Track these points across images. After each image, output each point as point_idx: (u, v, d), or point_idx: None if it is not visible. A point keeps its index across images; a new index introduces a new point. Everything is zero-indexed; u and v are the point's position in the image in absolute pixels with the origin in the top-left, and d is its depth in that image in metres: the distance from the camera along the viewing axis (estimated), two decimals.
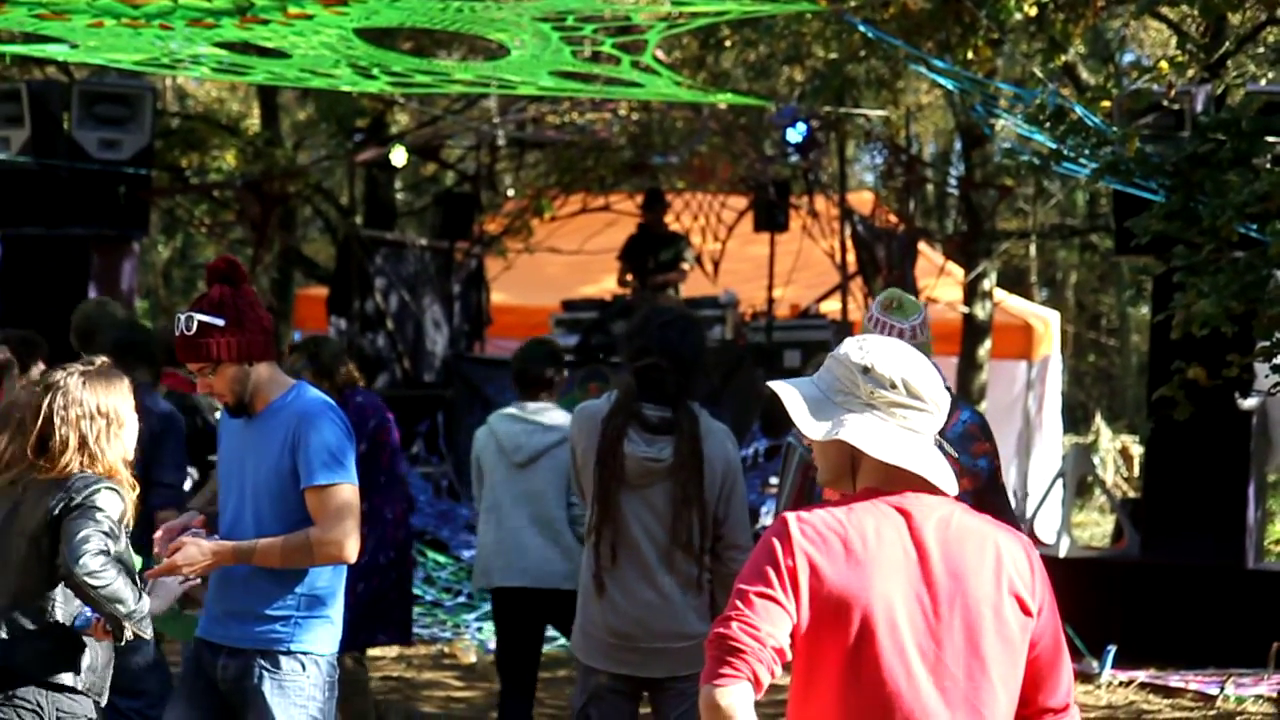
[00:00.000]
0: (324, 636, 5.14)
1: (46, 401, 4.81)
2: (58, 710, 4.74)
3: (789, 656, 3.28)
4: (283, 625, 5.06)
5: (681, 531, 5.65)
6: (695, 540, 5.65)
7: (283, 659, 5.04)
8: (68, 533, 4.64)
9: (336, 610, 5.19)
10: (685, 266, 15.05)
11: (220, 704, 5.14)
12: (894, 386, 3.36)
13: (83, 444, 4.78)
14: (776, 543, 3.28)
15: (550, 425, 7.56)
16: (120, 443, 4.86)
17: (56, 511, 4.69)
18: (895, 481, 3.36)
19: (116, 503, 4.76)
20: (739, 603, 3.24)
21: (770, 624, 3.21)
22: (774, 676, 3.23)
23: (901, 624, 3.27)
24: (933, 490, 3.37)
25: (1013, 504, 6.48)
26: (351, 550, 5.06)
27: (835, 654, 3.28)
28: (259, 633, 5.06)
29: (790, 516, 3.33)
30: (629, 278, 14.94)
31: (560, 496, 7.53)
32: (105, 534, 4.67)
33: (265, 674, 5.03)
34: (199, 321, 4.96)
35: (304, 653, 5.08)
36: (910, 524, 3.33)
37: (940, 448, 3.46)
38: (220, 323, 4.97)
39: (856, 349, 3.41)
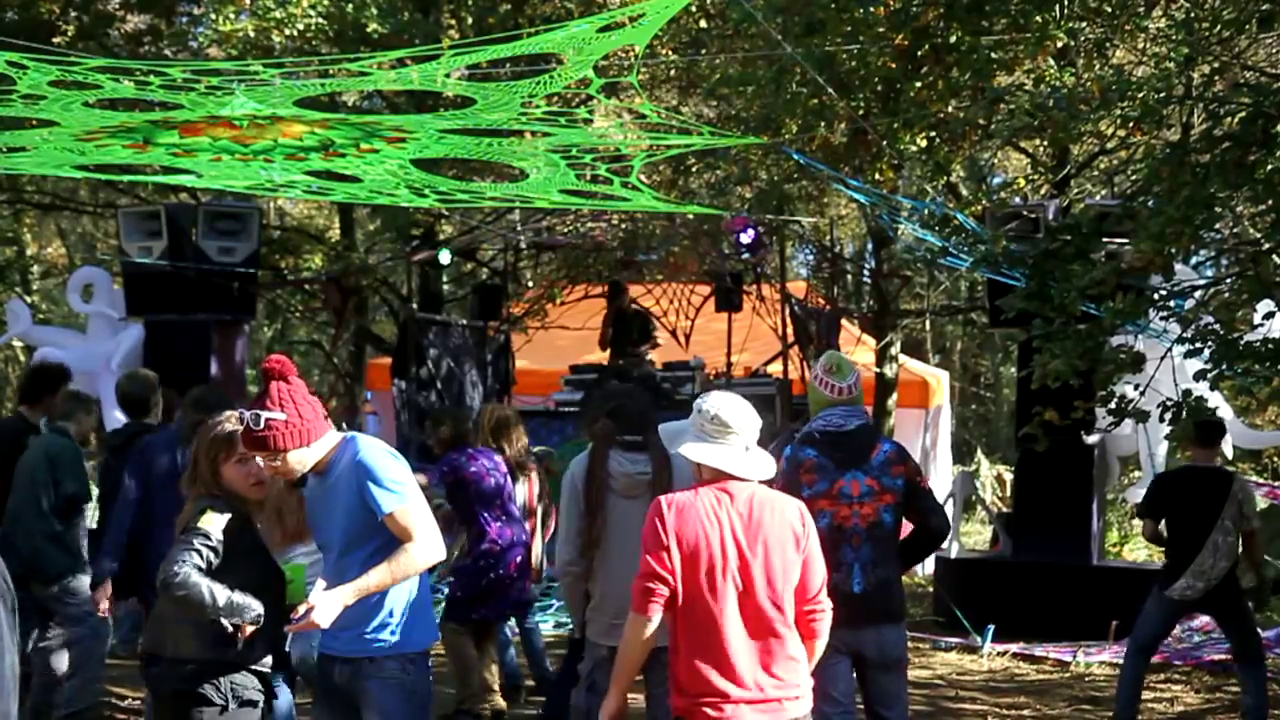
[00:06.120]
0: (413, 637, 4.83)
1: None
2: (231, 683, 4.62)
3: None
4: (381, 631, 4.76)
5: None
6: None
7: (385, 660, 4.75)
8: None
9: (418, 612, 4.87)
10: (656, 336, 15.07)
11: (345, 704, 4.84)
12: (712, 419, 4.38)
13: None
14: (657, 520, 4.30)
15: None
16: (236, 469, 4.72)
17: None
18: (720, 476, 4.37)
19: (217, 519, 4.58)
20: (647, 558, 4.27)
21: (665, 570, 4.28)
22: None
23: (730, 557, 4.27)
24: (739, 479, 4.36)
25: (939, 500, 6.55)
26: (441, 547, 4.75)
27: (693, 581, 4.26)
28: (363, 641, 4.75)
29: (662, 500, 4.37)
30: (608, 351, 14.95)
31: None
32: (197, 550, 4.52)
33: (373, 673, 4.75)
34: (265, 419, 4.57)
35: (401, 652, 4.78)
36: (730, 499, 4.33)
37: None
38: (282, 417, 4.58)
39: (700, 400, 4.43)
